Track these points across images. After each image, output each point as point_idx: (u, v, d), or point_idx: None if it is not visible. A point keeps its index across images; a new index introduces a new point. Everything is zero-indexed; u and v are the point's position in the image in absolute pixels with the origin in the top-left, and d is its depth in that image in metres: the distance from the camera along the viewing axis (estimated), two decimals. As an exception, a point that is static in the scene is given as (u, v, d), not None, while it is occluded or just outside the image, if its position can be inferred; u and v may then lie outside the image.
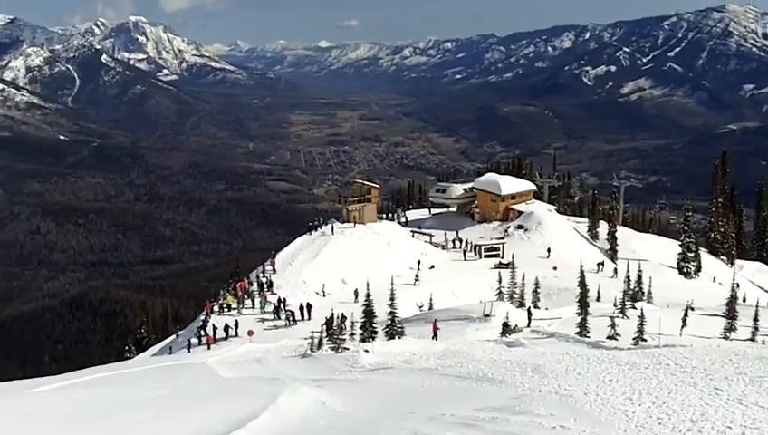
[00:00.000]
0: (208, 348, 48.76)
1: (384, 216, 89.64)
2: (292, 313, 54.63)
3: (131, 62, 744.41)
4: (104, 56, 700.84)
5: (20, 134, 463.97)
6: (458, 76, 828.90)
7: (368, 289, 44.50)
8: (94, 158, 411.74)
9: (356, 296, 54.56)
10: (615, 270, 70.85)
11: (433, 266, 70.98)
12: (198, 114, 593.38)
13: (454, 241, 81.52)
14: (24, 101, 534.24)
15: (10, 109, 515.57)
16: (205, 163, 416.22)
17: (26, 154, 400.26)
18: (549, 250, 76.01)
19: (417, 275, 66.86)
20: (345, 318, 46.71)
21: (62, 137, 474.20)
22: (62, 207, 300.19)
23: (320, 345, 40.42)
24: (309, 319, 53.91)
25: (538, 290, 59.51)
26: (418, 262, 69.89)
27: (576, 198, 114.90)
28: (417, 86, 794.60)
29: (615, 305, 49.87)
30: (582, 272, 43.99)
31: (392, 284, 43.89)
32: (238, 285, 62.41)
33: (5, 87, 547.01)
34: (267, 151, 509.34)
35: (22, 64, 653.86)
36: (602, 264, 72.96)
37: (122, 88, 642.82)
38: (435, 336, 42.85)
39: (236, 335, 50.86)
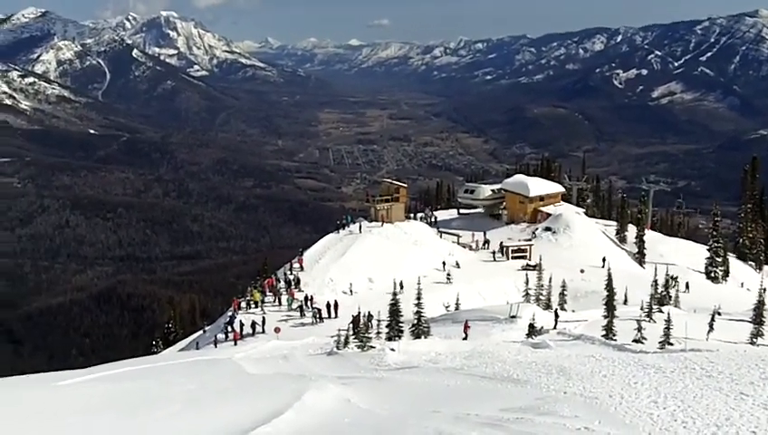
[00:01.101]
0: (235, 344, 49.07)
1: (412, 215, 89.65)
2: (319, 310, 54.82)
3: (162, 58, 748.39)
4: (135, 51, 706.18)
5: (50, 127, 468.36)
6: (489, 77, 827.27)
7: (394, 288, 44.68)
8: (124, 152, 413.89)
9: (401, 287, 53.26)
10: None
11: (458, 265, 70.93)
12: (228, 111, 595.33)
13: (485, 243, 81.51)
14: (55, 94, 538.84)
15: (41, 102, 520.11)
16: (234, 160, 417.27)
17: (56, 147, 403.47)
18: (604, 259, 72.59)
19: (449, 274, 67.06)
20: (372, 317, 46.85)
21: (91, 131, 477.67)
22: (92, 201, 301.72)
23: (346, 343, 40.56)
24: (335, 317, 54.09)
25: (565, 292, 59.35)
26: (444, 262, 69.97)
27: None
28: (447, 86, 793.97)
29: (642, 309, 49.73)
30: (610, 275, 43.92)
31: (419, 283, 44.02)
32: (266, 283, 62.69)
33: (36, 80, 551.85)
34: (296, 149, 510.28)
35: (53, 58, 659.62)
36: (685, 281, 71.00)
37: (152, 83, 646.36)
38: (465, 336, 42.94)
39: (263, 332, 51.09)
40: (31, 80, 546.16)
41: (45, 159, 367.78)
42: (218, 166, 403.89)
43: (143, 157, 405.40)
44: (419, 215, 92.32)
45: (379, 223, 75.64)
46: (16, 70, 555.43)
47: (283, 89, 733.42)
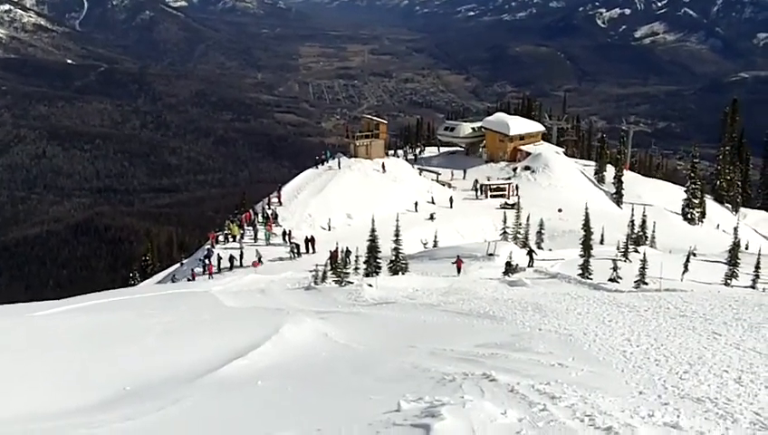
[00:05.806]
0: (212, 277, 49.17)
1: (392, 152, 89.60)
2: (297, 245, 54.93)
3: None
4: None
5: (27, 56, 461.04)
6: (471, 13, 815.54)
7: (372, 224, 44.72)
8: (101, 83, 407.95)
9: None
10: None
11: (433, 202, 70.99)
12: (207, 42, 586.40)
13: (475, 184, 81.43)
14: (32, 22, 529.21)
15: (17, 30, 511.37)
16: (212, 92, 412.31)
17: (33, 77, 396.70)
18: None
19: (432, 213, 67.32)
20: (350, 252, 46.97)
21: (69, 61, 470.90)
22: (69, 131, 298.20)
23: (323, 278, 40.72)
24: (313, 252, 54.22)
25: (542, 231, 59.62)
26: (416, 203, 69.96)
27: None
28: (429, 22, 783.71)
29: (618, 249, 50.08)
30: (587, 214, 44.15)
31: (397, 220, 44.13)
32: (244, 217, 62.75)
33: (12, 8, 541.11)
34: (276, 83, 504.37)
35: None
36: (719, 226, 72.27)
37: (131, 13, 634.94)
38: (458, 271, 43.26)
39: (241, 266, 51.21)
40: (6, 7, 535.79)
41: (22, 88, 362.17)
42: (197, 98, 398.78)
43: (121, 88, 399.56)
44: (399, 152, 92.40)
45: (365, 159, 75.65)
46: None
47: (262, 21, 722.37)
